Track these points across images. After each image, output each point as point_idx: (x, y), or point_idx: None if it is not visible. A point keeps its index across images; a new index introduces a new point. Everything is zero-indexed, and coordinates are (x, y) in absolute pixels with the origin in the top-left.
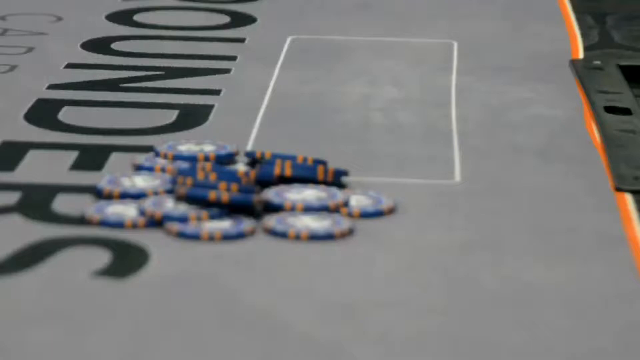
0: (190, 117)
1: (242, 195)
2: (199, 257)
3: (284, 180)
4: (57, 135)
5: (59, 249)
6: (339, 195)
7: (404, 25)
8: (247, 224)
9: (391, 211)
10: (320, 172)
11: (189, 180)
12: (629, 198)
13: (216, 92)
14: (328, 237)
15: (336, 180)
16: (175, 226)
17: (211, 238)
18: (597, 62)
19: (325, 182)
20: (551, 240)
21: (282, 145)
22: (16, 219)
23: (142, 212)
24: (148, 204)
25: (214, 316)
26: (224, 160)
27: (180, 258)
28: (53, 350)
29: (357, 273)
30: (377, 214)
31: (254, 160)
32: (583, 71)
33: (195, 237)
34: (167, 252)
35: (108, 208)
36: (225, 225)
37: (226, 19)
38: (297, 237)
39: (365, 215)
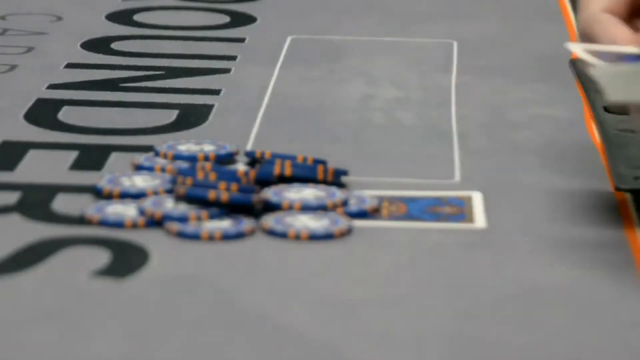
0: (190, 117)
1: (242, 195)
2: (199, 257)
3: (284, 179)
4: (57, 135)
5: (59, 249)
6: (337, 194)
7: (404, 25)
8: (246, 223)
9: (375, 211)
10: (320, 172)
11: (188, 180)
12: (629, 198)
13: (216, 92)
14: (328, 236)
15: (336, 179)
16: (175, 226)
17: (211, 238)
18: None
19: (325, 182)
20: (551, 241)
21: (282, 145)
22: (16, 219)
23: (142, 212)
24: (148, 203)
25: (214, 316)
26: (224, 160)
27: (180, 258)
28: (53, 350)
29: (357, 273)
30: (361, 214)
31: (253, 160)
32: (583, 71)
33: (195, 236)
34: (167, 252)
35: (108, 208)
36: (225, 225)
37: (226, 19)
38: (297, 237)
39: (351, 215)
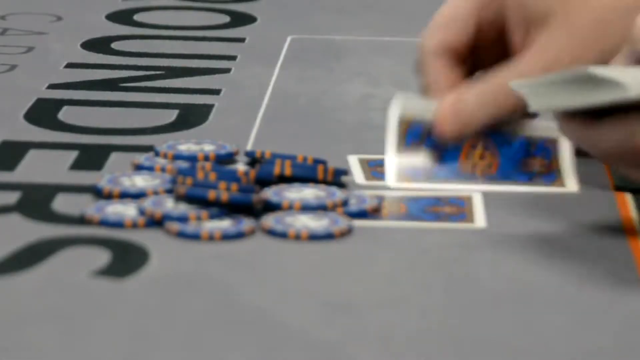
0: (190, 117)
1: (242, 195)
2: (199, 257)
3: (285, 179)
4: (57, 135)
5: (59, 248)
6: (337, 194)
7: (404, 25)
8: (246, 223)
9: (376, 211)
10: (320, 172)
11: (188, 180)
12: (629, 198)
13: (216, 92)
14: (328, 236)
15: (336, 179)
16: (175, 226)
17: (211, 238)
18: None
19: (325, 182)
20: (551, 240)
21: (282, 145)
22: (16, 219)
23: (141, 212)
24: (148, 203)
25: (214, 316)
26: (224, 159)
27: (180, 258)
28: (53, 350)
29: (357, 273)
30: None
31: (253, 160)
32: None
33: (195, 236)
34: (167, 251)
35: (108, 207)
36: (225, 224)
37: (226, 19)
38: (297, 237)
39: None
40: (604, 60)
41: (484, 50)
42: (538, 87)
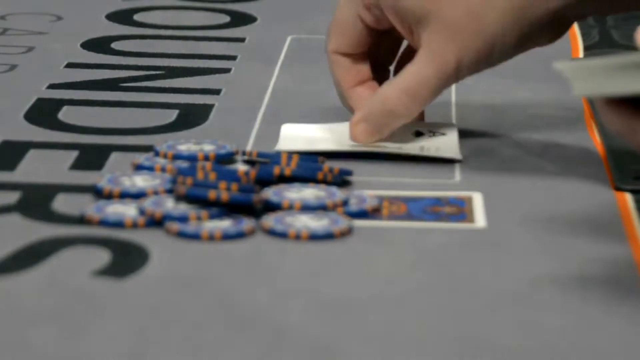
0: (190, 117)
1: (242, 195)
2: (199, 257)
3: (285, 179)
4: (57, 135)
5: (58, 248)
6: (337, 194)
7: None
8: (246, 223)
9: (376, 210)
10: (320, 172)
11: (188, 180)
12: (629, 198)
13: (216, 92)
14: (328, 236)
15: (336, 180)
16: (175, 226)
17: (211, 237)
18: None
19: (326, 182)
20: (551, 240)
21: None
22: (16, 219)
23: (142, 212)
24: (148, 203)
25: (214, 316)
26: (224, 159)
27: (180, 258)
28: (53, 349)
29: (357, 273)
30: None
31: (252, 160)
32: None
33: (195, 236)
34: (167, 251)
35: (108, 207)
36: (225, 224)
37: (226, 19)
38: (297, 237)
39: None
40: (486, 52)
41: (388, 41)
42: (583, 71)
